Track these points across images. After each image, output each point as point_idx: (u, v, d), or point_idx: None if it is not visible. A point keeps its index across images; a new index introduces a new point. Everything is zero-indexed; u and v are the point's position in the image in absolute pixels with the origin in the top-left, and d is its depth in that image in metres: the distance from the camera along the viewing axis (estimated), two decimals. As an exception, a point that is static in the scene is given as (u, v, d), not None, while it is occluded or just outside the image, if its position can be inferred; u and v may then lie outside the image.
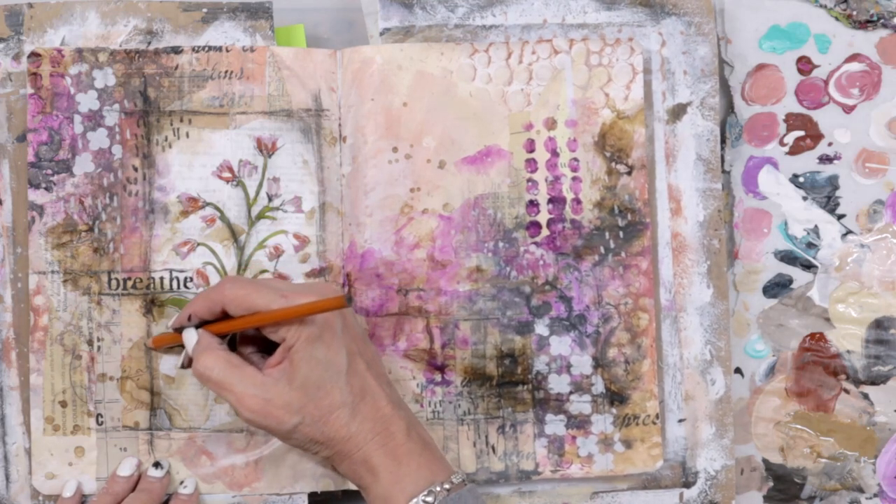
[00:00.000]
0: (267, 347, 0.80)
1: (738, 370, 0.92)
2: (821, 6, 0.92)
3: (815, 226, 0.92)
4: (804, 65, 0.92)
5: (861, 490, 0.92)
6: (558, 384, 0.87)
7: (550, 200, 0.88)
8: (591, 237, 0.88)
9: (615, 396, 0.87)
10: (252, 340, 0.81)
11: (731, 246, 0.92)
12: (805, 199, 0.92)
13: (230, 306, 0.77)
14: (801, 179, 0.92)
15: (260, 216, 0.87)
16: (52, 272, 0.85)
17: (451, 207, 0.87)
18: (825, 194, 0.92)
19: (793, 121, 0.92)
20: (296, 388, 0.75)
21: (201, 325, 0.80)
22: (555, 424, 0.87)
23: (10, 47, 0.87)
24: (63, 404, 0.85)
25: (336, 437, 0.76)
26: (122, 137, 0.86)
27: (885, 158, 0.92)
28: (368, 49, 0.87)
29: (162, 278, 0.86)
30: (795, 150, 0.92)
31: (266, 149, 0.87)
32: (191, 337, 0.79)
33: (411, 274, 0.87)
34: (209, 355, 0.77)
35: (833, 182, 0.92)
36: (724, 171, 0.91)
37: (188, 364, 0.80)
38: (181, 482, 0.85)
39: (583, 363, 0.87)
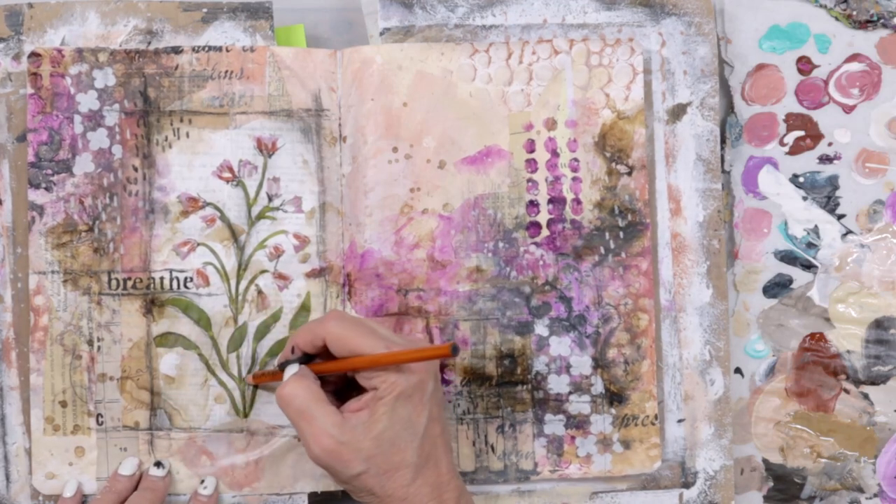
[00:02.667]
0: (342, 388, 0.81)
1: (738, 370, 0.92)
2: (821, 6, 0.92)
3: (815, 226, 0.92)
4: (804, 65, 0.92)
5: (861, 490, 0.92)
6: (558, 384, 0.87)
7: (550, 201, 0.88)
8: (591, 237, 0.88)
9: (614, 397, 0.87)
10: (331, 379, 0.81)
11: (731, 246, 0.92)
12: (805, 199, 0.92)
13: (332, 344, 0.77)
14: (801, 179, 0.92)
15: (260, 216, 0.87)
16: (52, 272, 0.85)
17: (451, 207, 0.87)
18: (825, 194, 0.92)
19: (793, 121, 0.92)
20: (371, 439, 0.74)
21: (305, 360, 0.79)
22: (554, 424, 0.87)
23: (10, 47, 0.87)
24: (63, 404, 0.85)
25: (394, 495, 0.75)
26: (122, 137, 0.86)
27: (885, 158, 0.92)
28: (368, 49, 0.87)
29: (162, 278, 0.86)
30: (795, 150, 0.92)
31: (266, 149, 0.87)
32: (292, 370, 0.79)
33: (411, 274, 0.87)
34: (299, 383, 0.76)
35: (833, 182, 0.92)
36: (724, 171, 0.91)
37: None
38: (201, 481, 0.85)
39: (582, 363, 0.87)
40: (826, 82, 0.92)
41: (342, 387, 0.81)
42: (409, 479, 0.75)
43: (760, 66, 0.92)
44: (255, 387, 0.86)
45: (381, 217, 0.86)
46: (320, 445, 0.75)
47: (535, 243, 0.87)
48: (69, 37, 0.87)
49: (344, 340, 0.76)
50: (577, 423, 0.87)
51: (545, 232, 0.87)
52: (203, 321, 0.86)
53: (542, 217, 0.87)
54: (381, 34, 0.88)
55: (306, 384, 0.76)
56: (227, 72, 0.87)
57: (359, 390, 0.78)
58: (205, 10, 0.88)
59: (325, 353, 0.79)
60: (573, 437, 0.87)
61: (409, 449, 0.75)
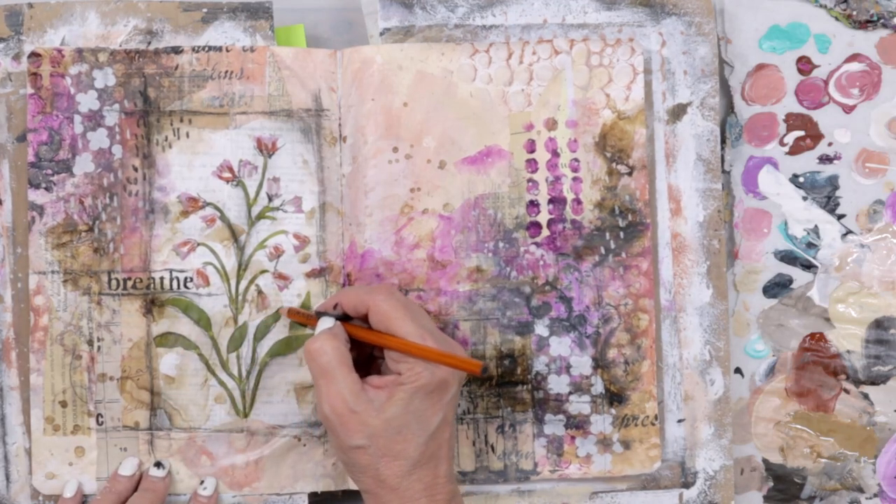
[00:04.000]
0: (369, 358, 0.81)
1: (738, 370, 0.92)
2: (821, 6, 0.92)
3: (815, 226, 0.92)
4: (804, 65, 0.92)
5: (861, 490, 0.92)
6: (558, 384, 0.87)
7: (551, 201, 0.88)
8: (592, 237, 0.88)
9: (614, 397, 0.87)
10: (360, 351, 0.81)
11: (731, 246, 0.92)
12: (805, 199, 0.92)
13: (374, 315, 0.77)
14: (801, 179, 0.92)
15: (260, 216, 0.87)
16: (52, 272, 0.85)
17: (452, 207, 0.87)
18: (825, 194, 0.92)
19: (793, 121, 0.92)
20: (381, 419, 0.75)
21: (343, 319, 0.79)
22: (554, 424, 0.87)
23: (10, 47, 0.87)
24: (63, 404, 0.85)
25: (386, 481, 0.75)
26: (122, 137, 0.86)
27: (885, 158, 0.92)
28: (368, 49, 0.87)
29: (162, 278, 0.86)
30: (795, 150, 0.92)
31: (266, 149, 0.87)
32: (326, 323, 0.79)
33: (411, 274, 0.87)
34: (330, 341, 0.76)
35: (833, 182, 0.92)
36: (724, 171, 0.91)
37: None
38: (201, 482, 0.85)
39: (582, 364, 0.87)
40: (826, 82, 0.92)
41: (370, 357, 0.81)
42: (405, 471, 0.75)
43: (760, 66, 0.92)
44: (255, 387, 0.86)
45: (382, 217, 0.86)
46: (332, 406, 0.75)
47: (536, 243, 0.87)
48: (69, 37, 0.87)
49: (385, 317, 0.77)
50: (577, 424, 0.87)
51: (545, 232, 0.87)
52: (203, 321, 0.86)
53: (543, 217, 0.87)
54: (382, 34, 0.88)
55: (336, 344, 0.76)
56: (227, 72, 0.87)
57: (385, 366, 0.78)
58: (205, 10, 0.88)
59: (365, 319, 0.79)
60: (573, 438, 0.87)
61: (414, 442, 0.75)
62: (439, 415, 0.76)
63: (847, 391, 0.92)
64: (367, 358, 0.82)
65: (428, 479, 0.76)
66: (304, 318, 0.83)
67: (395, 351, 0.76)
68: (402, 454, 0.75)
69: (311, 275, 0.87)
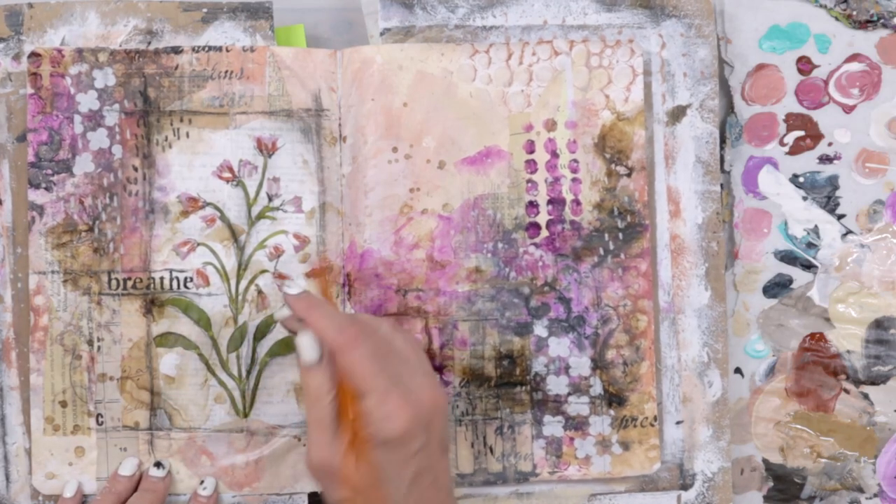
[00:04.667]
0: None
1: (738, 370, 0.92)
2: (821, 6, 0.92)
3: (815, 226, 0.92)
4: (804, 65, 0.92)
5: (861, 490, 0.92)
6: (557, 385, 0.87)
7: (550, 202, 0.88)
8: (591, 238, 0.88)
9: (613, 398, 0.87)
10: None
11: (732, 246, 0.92)
12: (805, 199, 0.92)
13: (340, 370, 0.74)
14: (801, 179, 0.92)
15: (260, 216, 0.87)
16: (52, 272, 0.85)
17: (451, 208, 0.87)
18: (825, 194, 0.92)
19: (793, 121, 0.92)
20: (359, 474, 0.73)
21: None
22: (553, 426, 0.87)
23: (10, 47, 0.87)
24: (63, 404, 0.85)
25: None
26: (122, 137, 0.86)
27: (885, 158, 0.92)
28: (368, 49, 0.87)
29: (162, 278, 0.86)
30: (795, 150, 0.92)
31: (266, 149, 0.87)
32: (310, 351, 0.75)
33: (410, 274, 0.87)
34: (326, 389, 0.74)
35: (833, 182, 0.92)
36: (724, 172, 0.91)
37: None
38: (201, 482, 0.85)
39: (581, 365, 0.87)
40: (826, 82, 0.92)
41: None
42: None
43: (760, 66, 0.92)
44: (255, 386, 0.86)
45: (381, 217, 0.87)
46: (319, 458, 0.74)
47: (535, 244, 0.87)
48: (69, 37, 0.87)
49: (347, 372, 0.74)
50: (576, 425, 0.87)
51: (544, 233, 0.87)
52: (203, 321, 0.86)
53: (542, 218, 0.87)
54: (382, 34, 0.88)
55: (331, 395, 0.74)
56: (227, 72, 0.87)
57: None
58: (205, 10, 0.88)
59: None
60: (572, 439, 0.87)
61: (395, 495, 0.73)
62: (411, 468, 0.73)
63: (847, 391, 0.92)
64: None
65: None
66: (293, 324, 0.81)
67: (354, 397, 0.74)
68: (388, 501, 0.73)
69: (312, 275, 0.87)
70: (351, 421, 0.74)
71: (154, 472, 0.85)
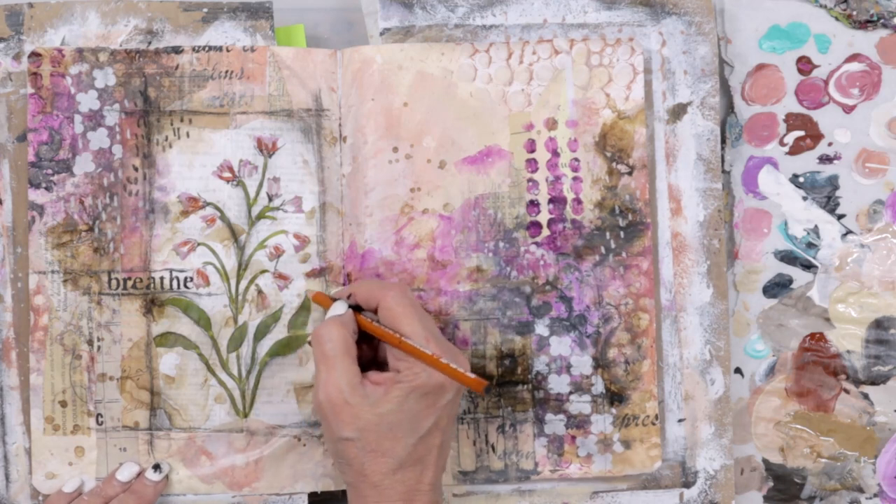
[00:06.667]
0: (374, 360, 0.81)
1: (738, 370, 0.92)
2: (821, 6, 0.92)
3: (815, 226, 0.92)
4: (804, 65, 0.92)
5: (861, 490, 0.92)
6: (558, 384, 0.87)
7: (551, 200, 0.88)
8: (592, 237, 0.88)
9: (615, 397, 0.87)
10: (369, 346, 0.81)
11: (731, 246, 0.92)
12: (805, 199, 0.92)
13: (383, 311, 0.78)
14: (801, 179, 0.92)
15: (260, 216, 0.87)
16: (52, 272, 0.85)
17: (452, 207, 0.87)
18: (825, 194, 0.92)
19: (793, 121, 0.92)
20: (374, 414, 0.75)
21: (355, 308, 0.80)
22: (554, 424, 0.87)
23: (10, 47, 0.87)
24: (63, 404, 0.85)
25: (369, 477, 0.75)
26: (123, 137, 0.86)
27: (885, 158, 0.92)
28: (368, 49, 0.87)
29: (162, 278, 0.86)
30: (795, 150, 0.92)
31: (266, 149, 0.87)
32: (338, 308, 0.79)
33: (411, 274, 0.87)
34: (338, 330, 0.77)
35: (833, 182, 0.92)
36: (724, 171, 0.91)
37: None
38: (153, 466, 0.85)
39: (583, 363, 0.87)
40: (826, 82, 0.92)
41: (377, 352, 0.81)
42: (389, 470, 0.75)
43: (760, 66, 0.92)
44: (255, 386, 0.86)
45: (382, 217, 0.86)
46: (327, 394, 0.75)
47: (536, 243, 0.87)
48: (69, 37, 0.87)
49: (393, 314, 0.77)
50: (578, 423, 0.87)
51: (546, 232, 0.87)
52: (203, 321, 0.86)
53: (543, 217, 0.87)
54: (382, 34, 0.88)
55: (343, 333, 0.77)
56: (227, 72, 0.87)
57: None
58: (205, 10, 0.88)
59: (376, 312, 0.79)
60: (574, 437, 0.87)
61: (403, 442, 0.75)
62: (431, 418, 0.76)
63: (847, 391, 0.92)
64: (376, 353, 0.82)
65: (411, 483, 0.76)
66: (325, 300, 0.82)
67: (397, 349, 0.76)
68: (390, 452, 0.75)
69: (312, 275, 0.87)
70: (390, 361, 0.77)
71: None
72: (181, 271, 0.86)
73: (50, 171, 0.85)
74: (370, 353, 0.81)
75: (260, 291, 0.86)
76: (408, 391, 0.75)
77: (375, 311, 0.79)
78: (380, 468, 0.75)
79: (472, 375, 0.76)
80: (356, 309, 0.80)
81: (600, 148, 0.88)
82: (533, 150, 0.88)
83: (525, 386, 0.87)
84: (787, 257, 0.92)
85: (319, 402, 0.76)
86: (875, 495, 0.92)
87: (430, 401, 0.76)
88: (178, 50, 0.86)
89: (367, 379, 0.76)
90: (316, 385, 0.76)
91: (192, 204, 0.86)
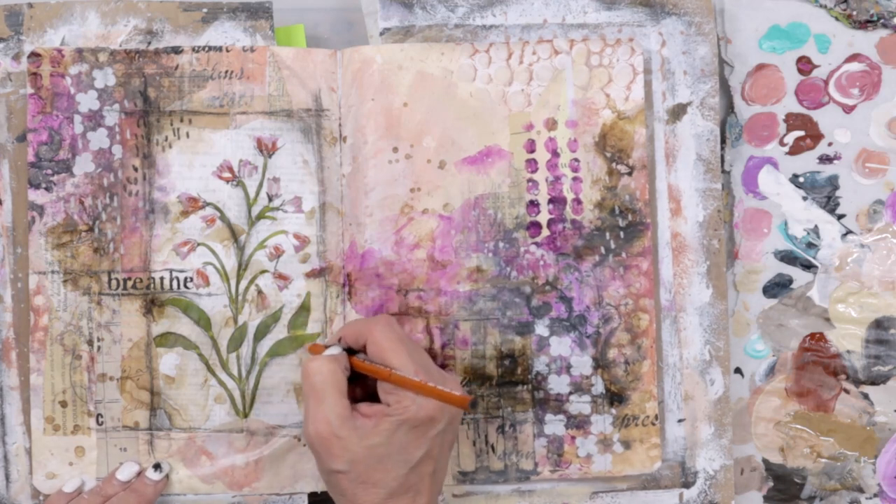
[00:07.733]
0: (363, 397, 0.81)
1: (738, 370, 0.92)
2: (821, 6, 0.92)
3: (815, 226, 0.92)
4: (804, 65, 0.92)
5: (861, 490, 0.92)
6: (558, 384, 0.87)
7: (551, 201, 0.88)
8: (592, 237, 0.88)
9: (615, 397, 0.87)
10: (365, 385, 0.81)
11: (731, 246, 0.92)
12: (805, 199, 0.92)
13: (370, 346, 0.78)
14: (801, 179, 0.92)
15: (260, 216, 0.87)
16: (52, 272, 0.85)
17: (452, 207, 0.87)
18: (825, 194, 0.92)
19: (793, 121, 0.92)
20: (364, 446, 0.75)
21: (349, 352, 0.80)
22: (554, 424, 0.87)
23: (10, 47, 0.87)
24: (63, 404, 0.85)
25: None
26: (122, 137, 0.86)
27: (885, 158, 0.92)
28: (368, 49, 0.87)
29: (162, 278, 0.86)
30: (795, 150, 0.92)
31: (266, 149, 0.87)
32: (333, 351, 0.79)
33: (411, 274, 0.87)
34: (327, 364, 0.77)
35: (833, 182, 0.92)
36: (724, 171, 0.91)
37: None
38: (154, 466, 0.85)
39: (583, 364, 0.87)
40: (826, 82, 0.92)
41: (374, 391, 0.81)
42: (380, 500, 0.75)
43: (760, 66, 0.92)
44: (255, 386, 0.86)
45: (382, 217, 0.86)
46: (316, 428, 0.75)
47: (536, 243, 0.87)
48: (69, 37, 0.87)
49: (380, 348, 0.77)
50: (578, 424, 0.87)
51: (545, 232, 0.87)
52: (203, 321, 0.86)
53: (543, 217, 0.87)
54: (381, 34, 0.88)
55: (333, 368, 0.76)
56: (227, 72, 0.87)
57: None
58: (205, 10, 0.88)
59: (367, 351, 0.79)
60: (573, 438, 0.87)
61: (394, 472, 0.75)
62: (423, 448, 0.76)
63: (847, 391, 0.92)
64: (371, 392, 0.81)
65: None
66: (319, 349, 0.83)
67: (385, 382, 0.76)
68: (381, 483, 0.75)
69: (312, 275, 0.87)
70: (381, 395, 0.77)
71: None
72: (181, 271, 0.86)
73: (50, 172, 0.85)
74: (364, 393, 0.81)
75: (260, 291, 0.86)
76: (397, 424, 0.75)
77: (365, 350, 0.79)
78: (371, 498, 0.75)
79: (458, 394, 0.76)
80: (350, 352, 0.79)
81: (600, 148, 0.88)
82: (533, 151, 0.88)
83: (525, 386, 0.87)
84: (787, 257, 0.92)
85: (309, 436, 0.75)
86: (875, 495, 0.92)
87: (420, 432, 0.76)
88: (177, 50, 0.86)
89: (358, 411, 0.76)
90: (305, 419, 0.76)
91: (192, 204, 0.86)
